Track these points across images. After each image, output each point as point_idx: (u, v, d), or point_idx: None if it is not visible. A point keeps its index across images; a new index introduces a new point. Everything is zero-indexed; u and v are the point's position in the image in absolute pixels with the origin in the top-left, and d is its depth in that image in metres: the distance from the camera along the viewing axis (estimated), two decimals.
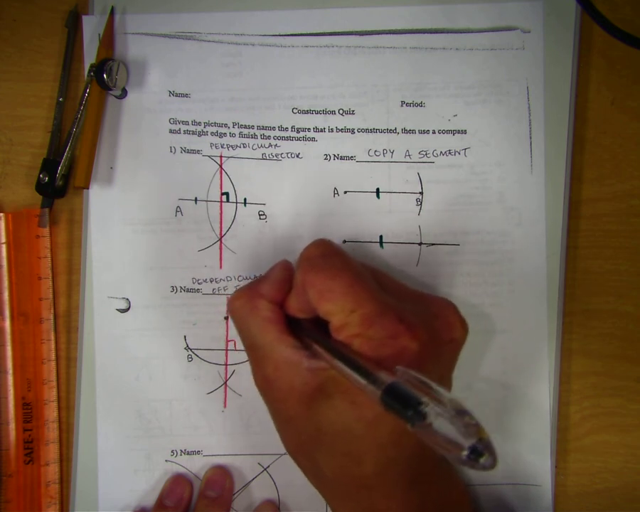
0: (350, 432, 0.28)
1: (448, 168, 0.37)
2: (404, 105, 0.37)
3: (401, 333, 0.27)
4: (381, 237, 0.37)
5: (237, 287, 0.38)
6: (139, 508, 0.38)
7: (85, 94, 0.36)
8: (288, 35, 0.37)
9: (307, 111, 0.37)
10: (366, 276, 0.30)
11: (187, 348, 0.38)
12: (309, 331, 0.30)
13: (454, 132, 0.37)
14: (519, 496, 0.37)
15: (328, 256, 0.30)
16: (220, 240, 0.38)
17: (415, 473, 0.30)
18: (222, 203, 0.38)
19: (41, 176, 0.37)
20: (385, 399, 0.24)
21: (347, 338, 0.28)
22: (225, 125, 0.38)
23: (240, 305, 0.31)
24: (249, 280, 0.38)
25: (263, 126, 0.38)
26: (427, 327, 0.28)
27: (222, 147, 0.38)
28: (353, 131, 0.37)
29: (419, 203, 0.37)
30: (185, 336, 0.38)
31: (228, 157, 0.38)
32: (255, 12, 0.37)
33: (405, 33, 0.37)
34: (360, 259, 0.33)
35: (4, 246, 0.38)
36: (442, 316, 0.30)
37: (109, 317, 0.38)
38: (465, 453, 0.20)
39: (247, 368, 0.38)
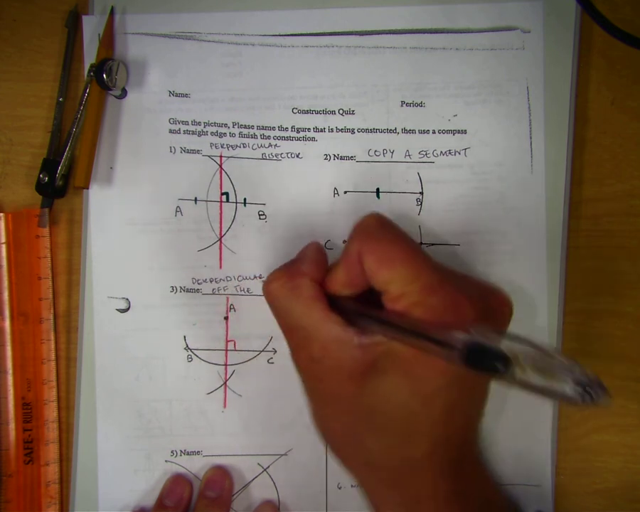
0: (405, 408, 0.28)
1: (448, 168, 0.37)
2: (404, 105, 0.37)
3: (461, 301, 0.28)
4: None
5: (237, 287, 0.38)
6: (139, 508, 0.38)
7: (85, 94, 0.36)
8: (288, 35, 0.37)
9: (307, 111, 0.37)
10: (422, 250, 0.30)
11: (187, 348, 0.38)
12: (357, 306, 0.30)
13: (454, 132, 0.37)
14: (519, 496, 0.37)
15: (386, 226, 0.30)
16: (220, 240, 0.38)
17: (460, 459, 0.30)
18: (222, 203, 0.38)
19: (41, 176, 0.37)
20: (471, 357, 0.23)
21: (406, 307, 0.27)
22: (225, 125, 0.38)
23: (280, 285, 0.30)
24: (249, 280, 0.38)
25: (263, 126, 0.38)
26: (483, 300, 0.29)
27: (222, 147, 0.38)
28: (353, 131, 0.37)
29: (419, 203, 0.37)
30: (185, 336, 0.38)
31: (228, 157, 0.38)
32: (255, 12, 0.37)
33: (405, 33, 0.37)
34: None
35: (4, 246, 0.38)
36: (493, 292, 0.31)
37: (109, 317, 0.38)
38: (577, 389, 0.20)
39: (247, 368, 0.38)
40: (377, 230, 0.30)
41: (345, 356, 0.29)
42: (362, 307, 0.30)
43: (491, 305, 0.30)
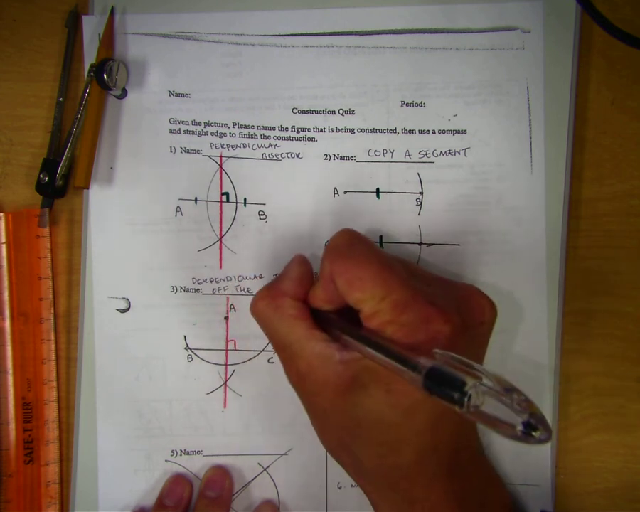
0: (386, 421, 0.28)
1: (448, 168, 0.37)
2: (404, 105, 0.37)
3: (433, 317, 0.27)
4: (381, 237, 0.37)
5: (238, 287, 0.38)
6: (139, 507, 0.38)
7: (85, 94, 0.36)
8: (288, 35, 0.37)
9: (307, 111, 0.37)
10: (394, 264, 0.30)
11: (187, 348, 0.38)
12: (338, 322, 0.30)
13: (454, 132, 0.37)
14: (519, 496, 0.37)
15: (355, 244, 0.30)
16: (220, 240, 0.38)
17: (454, 463, 0.30)
18: (222, 203, 0.38)
19: (41, 176, 0.37)
20: (428, 383, 0.23)
21: (379, 326, 0.28)
22: (225, 125, 0.38)
23: (264, 306, 0.31)
24: (249, 280, 0.38)
25: (263, 126, 0.38)
26: (458, 310, 0.29)
27: (222, 147, 0.38)
28: (353, 131, 0.37)
29: (419, 203, 0.37)
30: (185, 336, 0.38)
31: (228, 157, 0.38)
32: (255, 12, 0.37)
33: (405, 33, 0.37)
34: None
35: (4, 246, 0.38)
36: (471, 299, 0.30)
37: (109, 317, 0.38)
38: (519, 428, 0.20)
39: (246, 368, 0.38)
40: (347, 249, 0.30)
41: (329, 372, 0.29)
42: (342, 323, 0.30)
43: (470, 313, 0.30)
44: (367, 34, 0.37)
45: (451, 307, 0.28)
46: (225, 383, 0.38)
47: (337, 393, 0.29)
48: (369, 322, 0.28)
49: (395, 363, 0.26)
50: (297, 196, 0.38)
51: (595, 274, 0.37)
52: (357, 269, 0.29)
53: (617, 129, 0.37)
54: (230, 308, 0.38)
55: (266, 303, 0.31)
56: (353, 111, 0.37)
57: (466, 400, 0.22)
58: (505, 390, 0.21)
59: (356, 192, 0.37)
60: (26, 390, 0.38)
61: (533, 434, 0.20)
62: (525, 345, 0.37)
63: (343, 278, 0.29)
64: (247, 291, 0.38)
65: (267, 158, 0.38)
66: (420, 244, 0.37)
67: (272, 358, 0.38)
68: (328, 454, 0.37)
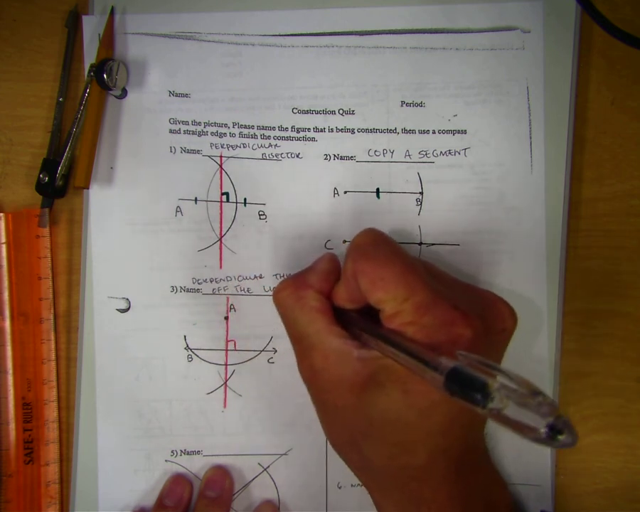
0: (401, 421, 0.28)
1: (448, 168, 0.37)
2: (404, 105, 0.37)
3: (456, 320, 0.27)
4: None
5: (238, 287, 0.38)
6: (139, 508, 0.38)
7: (85, 94, 0.36)
8: (288, 35, 0.37)
9: (307, 111, 0.37)
10: (417, 265, 0.30)
11: (187, 348, 0.38)
12: (358, 321, 0.30)
13: (454, 132, 0.37)
14: (520, 496, 0.37)
15: (379, 244, 0.30)
16: (220, 240, 0.38)
17: (462, 465, 0.30)
18: (222, 203, 0.38)
19: (41, 176, 0.37)
20: (449, 384, 0.23)
21: (400, 326, 0.28)
22: (225, 125, 0.38)
23: (287, 295, 0.31)
24: (250, 280, 0.38)
25: (263, 126, 0.38)
26: (480, 316, 0.28)
27: (222, 147, 0.38)
28: (353, 131, 0.37)
29: (419, 203, 0.37)
30: (185, 336, 0.38)
31: (228, 157, 0.38)
32: (255, 12, 0.37)
33: (405, 33, 0.37)
34: None
35: (4, 246, 0.38)
36: (493, 306, 0.30)
37: (109, 317, 0.38)
38: (544, 431, 0.20)
39: (246, 368, 0.38)
40: (371, 248, 0.30)
41: (346, 368, 0.29)
42: (363, 321, 0.30)
43: (492, 319, 0.30)
44: (367, 34, 0.37)
45: (474, 312, 0.28)
46: (225, 383, 0.38)
47: (352, 391, 0.29)
48: (390, 322, 0.28)
49: (416, 363, 0.25)
50: (297, 196, 0.38)
51: (595, 274, 0.37)
52: (380, 270, 0.28)
53: (617, 129, 0.37)
54: (230, 308, 0.38)
55: (289, 292, 0.31)
56: (353, 111, 0.37)
57: (489, 402, 0.21)
58: (532, 393, 0.21)
59: (356, 192, 0.37)
60: (26, 390, 0.38)
61: (559, 437, 0.20)
62: (525, 345, 0.37)
63: (365, 277, 0.29)
64: (247, 291, 0.38)
65: (267, 158, 0.38)
66: (420, 244, 0.37)
67: (271, 358, 0.38)
68: (328, 453, 0.37)
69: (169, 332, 0.38)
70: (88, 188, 0.38)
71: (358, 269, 0.29)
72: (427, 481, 0.30)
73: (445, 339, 0.27)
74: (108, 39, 0.37)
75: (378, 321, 0.29)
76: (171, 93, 0.38)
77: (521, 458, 0.37)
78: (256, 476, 0.38)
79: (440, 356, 0.24)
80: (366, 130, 0.37)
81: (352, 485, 0.38)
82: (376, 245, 0.30)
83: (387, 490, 0.31)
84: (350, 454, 0.32)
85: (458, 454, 0.30)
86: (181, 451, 0.38)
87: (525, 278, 0.37)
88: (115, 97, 0.38)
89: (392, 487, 0.31)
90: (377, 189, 0.37)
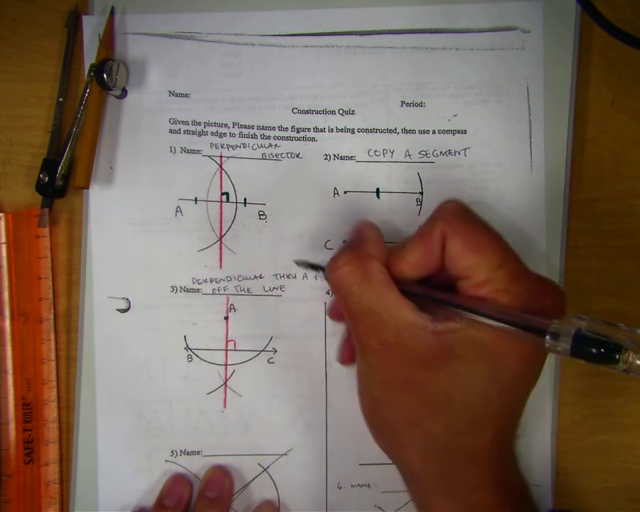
0: (483, 395, 0.28)
1: (448, 168, 0.37)
2: (404, 105, 0.37)
3: (547, 292, 0.28)
4: None
5: (237, 287, 0.38)
6: (139, 508, 0.38)
7: (85, 94, 0.36)
8: (288, 35, 0.37)
9: (307, 111, 0.37)
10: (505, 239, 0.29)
11: (187, 348, 0.38)
12: (426, 291, 0.29)
13: (454, 132, 0.37)
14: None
15: (471, 212, 0.30)
16: (220, 240, 0.38)
17: (507, 455, 0.30)
18: (222, 203, 0.38)
19: (41, 176, 0.37)
20: (580, 347, 0.24)
21: (491, 293, 0.27)
22: (225, 125, 0.38)
23: (350, 271, 0.29)
24: (249, 280, 0.38)
25: (263, 126, 0.38)
26: (555, 291, 0.29)
27: (222, 147, 0.38)
28: (353, 131, 0.37)
29: (419, 203, 0.37)
30: (185, 336, 0.38)
31: (228, 157, 0.38)
32: (255, 12, 0.37)
33: (405, 33, 0.37)
34: None
35: (4, 246, 0.38)
36: (560, 290, 0.30)
37: (109, 317, 0.38)
38: None
39: (247, 368, 0.38)
40: (465, 213, 0.29)
41: (420, 342, 0.28)
42: (434, 292, 0.29)
43: (552, 298, 0.30)
44: (367, 34, 0.37)
45: (558, 286, 0.29)
46: (225, 383, 0.38)
47: (426, 364, 0.28)
48: (478, 289, 0.27)
49: (518, 330, 0.25)
50: (297, 196, 0.38)
51: (595, 274, 0.37)
52: (478, 233, 0.28)
53: (617, 129, 0.37)
54: (230, 308, 0.38)
55: (352, 268, 0.29)
56: (353, 111, 0.37)
57: (622, 360, 0.23)
58: None
59: (356, 192, 0.37)
60: (26, 390, 0.38)
61: None
62: None
63: (460, 239, 0.28)
64: (247, 291, 0.38)
65: (267, 158, 0.38)
66: None
67: (271, 358, 0.38)
68: (328, 453, 0.37)
69: (169, 332, 0.38)
70: (88, 188, 0.38)
71: (450, 231, 0.28)
72: (486, 464, 0.29)
73: (537, 308, 0.27)
74: (108, 39, 0.37)
75: (448, 291, 0.28)
76: (171, 93, 0.38)
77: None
78: (256, 476, 0.38)
79: (551, 322, 0.25)
80: (366, 130, 0.37)
81: (352, 485, 0.38)
82: (468, 212, 0.30)
83: (440, 475, 0.29)
84: (406, 437, 0.30)
85: (508, 441, 0.30)
86: (181, 451, 0.38)
87: None
88: (115, 97, 0.38)
89: (447, 472, 0.29)
90: (377, 189, 0.37)
